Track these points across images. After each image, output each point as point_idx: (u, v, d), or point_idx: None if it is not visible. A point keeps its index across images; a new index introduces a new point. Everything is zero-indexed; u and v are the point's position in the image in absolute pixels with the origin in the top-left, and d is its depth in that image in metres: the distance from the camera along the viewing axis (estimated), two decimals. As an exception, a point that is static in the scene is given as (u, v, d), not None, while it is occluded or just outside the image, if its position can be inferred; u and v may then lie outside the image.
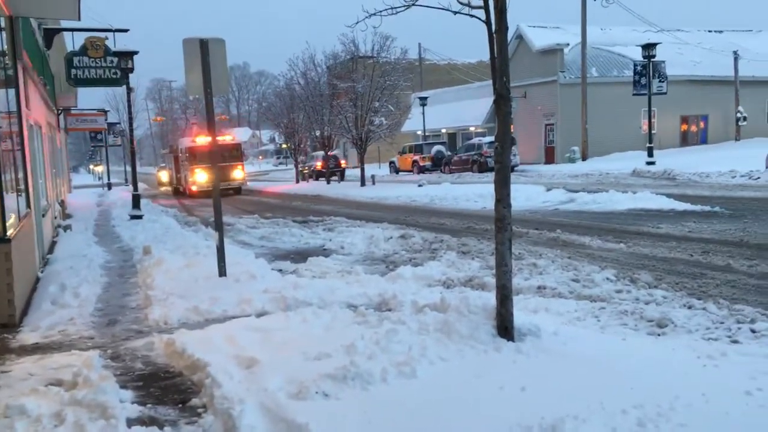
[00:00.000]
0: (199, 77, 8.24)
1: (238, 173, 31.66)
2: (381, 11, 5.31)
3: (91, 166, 74.35)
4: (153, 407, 4.57)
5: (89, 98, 54.04)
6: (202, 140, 29.47)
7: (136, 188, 19.45)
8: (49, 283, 8.81)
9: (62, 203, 21.45)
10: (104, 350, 6.04)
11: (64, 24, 19.01)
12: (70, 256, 11.20)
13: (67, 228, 15.57)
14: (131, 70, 18.47)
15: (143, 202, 20.54)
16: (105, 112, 37.07)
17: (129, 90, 19.52)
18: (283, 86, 40.28)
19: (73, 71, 20.57)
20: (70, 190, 36.43)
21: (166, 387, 5.00)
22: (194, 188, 30.31)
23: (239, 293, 7.47)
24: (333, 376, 4.35)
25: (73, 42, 21.64)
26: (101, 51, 20.73)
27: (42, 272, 10.03)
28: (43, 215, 12.13)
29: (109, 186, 42.21)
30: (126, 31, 21.59)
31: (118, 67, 19.46)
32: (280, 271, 9.34)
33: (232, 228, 15.46)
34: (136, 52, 18.41)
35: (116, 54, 19.01)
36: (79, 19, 10.84)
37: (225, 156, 29.58)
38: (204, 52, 8.19)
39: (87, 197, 32.44)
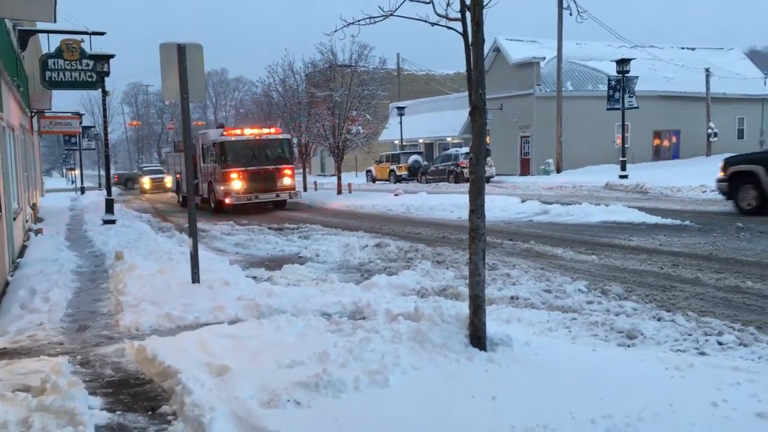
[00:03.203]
0: (176, 82, 8.21)
1: (286, 180, 23.34)
2: (359, 20, 5.35)
3: (65, 170, 73.41)
4: (122, 414, 4.52)
5: (64, 101, 53.36)
6: (243, 133, 23.36)
7: (109, 192, 19.24)
8: (18, 288, 8.67)
9: (34, 207, 21.14)
10: (74, 356, 5.96)
11: (40, 26, 18.83)
12: (40, 260, 11.03)
13: (38, 232, 15.34)
14: (107, 73, 18.31)
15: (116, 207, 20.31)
16: (80, 115, 36.63)
17: (104, 93, 19.33)
18: (261, 93, 40.20)
19: (48, 73, 20.37)
20: (43, 193, 35.91)
21: (136, 394, 4.95)
22: (229, 200, 22.14)
23: (212, 300, 7.43)
24: (305, 384, 4.34)
25: (48, 44, 21.50)
26: (77, 54, 20.56)
27: (11, 276, 9.87)
28: (14, 218, 11.94)
29: (83, 190, 41.67)
30: (102, 34, 21.44)
31: (93, 71, 19.31)
32: (254, 278, 9.30)
33: (206, 234, 15.37)
34: (112, 56, 18.26)
35: (92, 57, 18.86)
36: (55, 21, 10.73)
37: (269, 156, 23.27)
38: (181, 57, 8.16)
39: (60, 201, 31.99)
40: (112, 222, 17.67)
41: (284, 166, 23.43)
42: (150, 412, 4.55)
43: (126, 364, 5.68)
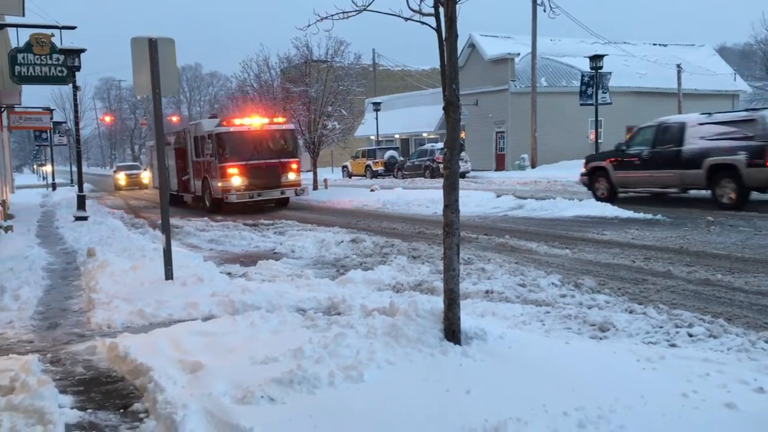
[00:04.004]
0: (148, 77, 8.11)
1: (291, 175, 21.21)
2: (332, 15, 5.32)
3: (36, 166, 72.28)
4: (93, 412, 4.46)
5: (34, 96, 52.46)
6: (243, 123, 20.97)
7: (81, 189, 18.96)
8: (-14, 286, 8.51)
9: (3, 203, 20.77)
10: (44, 354, 5.87)
11: (9, 20, 18.45)
12: (10, 257, 10.84)
13: (8, 229, 15.07)
14: (78, 68, 18.03)
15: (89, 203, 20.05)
16: (50, 110, 36.06)
17: (75, 89, 19.04)
18: (236, 88, 39.88)
19: (17, 68, 19.95)
20: (13, 190, 35.31)
21: (108, 392, 4.89)
22: (228, 198, 20.17)
23: (186, 297, 7.36)
24: (279, 380, 4.32)
25: (17, 38, 21.05)
26: (47, 48, 20.18)
27: (-20, 274, 9.69)
28: (-18, 215, 11.73)
29: (54, 186, 41.05)
30: (73, 28, 21.07)
31: (64, 65, 18.96)
32: (229, 274, 9.23)
33: (180, 231, 15.23)
34: (83, 50, 17.97)
35: (63, 51, 18.51)
36: (23, 15, 10.56)
37: (273, 148, 21.07)
38: (153, 52, 8.06)
39: (31, 198, 31.51)
40: (84, 218, 17.44)
41: (289, 159, 21.28)
42: (122, 410, 4.49)
43: (97, 362, 5.61)
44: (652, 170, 16.07)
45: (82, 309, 7.61)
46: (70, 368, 5.49)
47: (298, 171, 21.70)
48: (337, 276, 8.92)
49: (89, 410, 4.50)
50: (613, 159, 17.30)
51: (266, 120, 21.50)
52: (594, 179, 17.76)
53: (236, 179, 20.17)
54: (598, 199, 16.88)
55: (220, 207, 20.79)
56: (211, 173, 20.95)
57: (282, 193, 21.10)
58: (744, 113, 15.31)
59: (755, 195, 14.67)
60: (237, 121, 21.13)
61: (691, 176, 15.14)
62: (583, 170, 18.36)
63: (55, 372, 5.37)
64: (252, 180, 20.32)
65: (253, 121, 21.11)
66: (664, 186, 16.14)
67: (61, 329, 6.82)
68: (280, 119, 22.28)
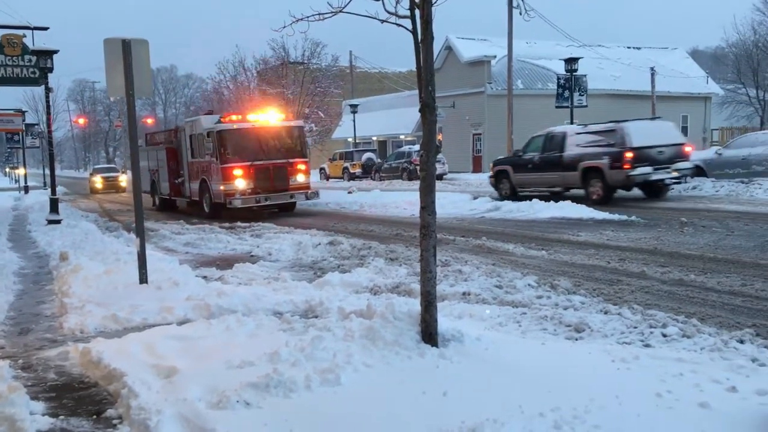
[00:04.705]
0: (121, 79, 8.01)
1: (300, 177, 19.35)
2: (308, 17, 5.30)
3: (7, 169, 71.12)
4: (65, 419, 4.39)
5: (6, 98, 51.70)
6: (247, 120, 19.19)
7: (54, 192, 18.70)
8: (-44, 291, 8.36)
9: (-27, 207, 20.41)
10: (15, 360, 5.77)
11: (-22, 19, 18.16)
12: (-20, 262, 10.66)
13: (-22, 233, 14.83)
14: (50, 69, 17.79)
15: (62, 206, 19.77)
16: (22, 112, 35.57)
17: (48, 90, 18.78)
18: (212, 90, 39.65)
19: (-13, 69, 19.66)
20: (-17, 193, 34.72)
21: (81, 398, 4.82)
22: (235, 202, 18.13)
23: (161, 301, 7.29)
24: (255, 384, 4.29)
25: (-13, 39, 20.69)
26: (18, 49, 19.93)
27: (-51, 279, 9.50)
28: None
29: (27, 189, 40.44)
30: (46, 29, 20.84)
31: (36, 66, 18.76)
32: (204, 278, 9.16)
33: (155, 234, 15.08)
34: (56, 51, 17.74)
35: (35, 52, 18.29)
36: (-6, 15, 10.39)
37: (280, 147, 19.23)
38: (126, 53, 7.97)
39: (2, 201, 30.99)
40: (57, 222, 17.20)
41: (298, 159, 19.36)
42: (95, 416, 4.43)
43: (70, 368, 5.52)
44: (542, 173, 18.45)
45: (55, 314, 7.49)
46: (42, 374, 5.40)
47: (308, 172, 19.97)
48: (315, 279, 8.89)
49: (61, 417, 4.43)
50: (512, 163, 19.79)
51: (272, 116, 19.73)
52: (499, 180, 20.07)
53: (240, 182, 18.27)
54: (501, 198, 19.14)
55: (220, 212, 18.88)
56: (211, 175, 19.06)
57: (291, 197, 19.13)
58: (608, 125, 17.49)
59: (621, 193, 17.29)
60: (240, 118, 19.29)
61: (570, 177, 17.59)
62: (491, 172, 20.78)
63: (27, 378, 5.28)
64: (258, 183, 18.49)
65: (258, 117, 19.46)
66: (551, 186, 18.30)
67: (32, 334, 6.71)
68: (287, 114, 20.62)
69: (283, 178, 18.86)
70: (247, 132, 18.79)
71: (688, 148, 17.33)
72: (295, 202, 19.62)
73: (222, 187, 18.39)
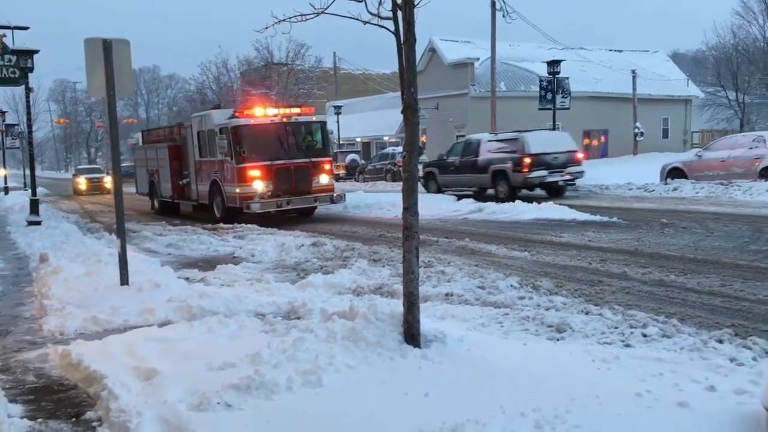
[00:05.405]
0: (102, 79, 7.95)
1: (324, 178, 17.62)
2: (290, 18, 5.29)
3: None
4: (44, 422, 4.35)
5: (-16, 98, 51.08)
6: (266, 114, 17.22)
7: (34, 193, 18.51)
8: (-67, 293, 8.25)
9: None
10: (-7, 363, 5.70)
11: (-43, 18, 17.95)
12: (-42, 264, 10.53)
13: (-44, 234, 14.64)
14: (31, 69, 17.62)
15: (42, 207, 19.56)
16: (2, 112, 35.18)
17: (28, 90, 18.58)
18: (195, 91, 39.45)
19: (-33, 68, 19.41)
20: (-38, 194, 34.27)
21: (60, 400, 4.77)
22: (253, 207, 16.33)
23: (142, 302, 7.23)
24: (237, 386, 4.27)
25: (-34, 38, 20.42)
26: (-2, 48, 19.66)
27: (-74, 281, 9.38)
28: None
29: (6, 190, 39.96)
30: (26, 28, 20.63)
31: (16, 66, 18.52)
32: (186, 279, 9.10)
33: (137, 235, 14.96)
34: (36, 51, 17.57)
35: (15, 52, 18.08)
36: (-28, 14, 10.28)
37: (302, 145, 17.52)
38: (107, 53, 7.91)
39: (-20, 202, 30.58)
40: (38, 223, 17.01)
41: (322, 159, 17.66)
42: (74, 419, 4.39)
43: (49, 370, 5.47)
44: (461, 174, 20.93)
45: (34, 316, 7.42)
46: (20, 377, 5.35)
47: (332, 173, 18.48)
48: (298, 280, 8.87)
49: (40, 419, 4.39)
50: (438, 166, 22.30)
51: (292, 110, 17.78)
52: (428, 180, 22.41)
53: (259, 183, 16.48)
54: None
55: (234, 218, 17.00)
56: (224, 176, 17.25)
57: (315, 200, 17.39)
58: (512, 134, 20.41)
59: (526, 192, 19.45)
60: (257, 112, 17.22)
61: (483, 179, 20.24)
62: (421, 174, 22.57)
63: (5, 381, 5.22)
64: (278, 185, 16.76)
65: (277, 111, 17.61)
66: (469, 186, 20.87)
67: (11, 337, 6.64)
68: (307, 109, 18.46)
69: (305, 179, 17.12)
70: (266, 128, 17.00)
71: (579, 155, 20.08)
72: (316, 207, 18.01)
73: (238, 190, 16.65)
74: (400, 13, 4.90)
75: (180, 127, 20.81)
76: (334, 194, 17.65)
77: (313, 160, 17.32)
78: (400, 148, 35.00)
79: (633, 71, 38.78)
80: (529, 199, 17.40)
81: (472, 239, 11.82)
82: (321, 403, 4.12)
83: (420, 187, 23.34)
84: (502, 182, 19.53)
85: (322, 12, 5.17)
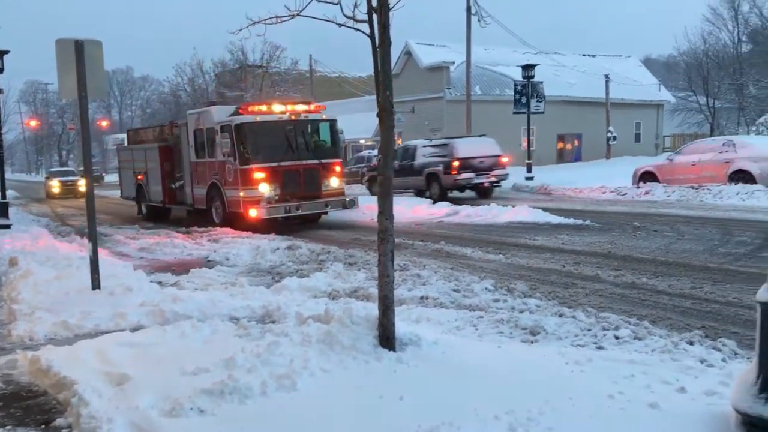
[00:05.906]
0: (74, 80, 7.83)
1: (334, 181, 16.32)
2: (265, 19, 5.27)
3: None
4: (13, 429, 4.27)
5: (-48, 98, 49.93)
6: (272, 111, 15.91)
7: (4, 196, 18.19)
8: None
9: None
10: (-41, 370, 5.58)
11: (-77, 17, 17.61)
12: (-76, 268, 10.29)
13: None
14: (1, 70, 17.35)
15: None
16: (-30, 113, 34.45)
17: (-2, 91, 18.29)
18: (169, 92, 39.09)
19: (-66, 69, 19.00)
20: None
21: (29, 407, 4.68)
22: (260, 212, 15.04)
23: (113, 307, 7.14)
24: (210, 391, 4.23)
25: (-67, 37, 20.04)
26: (-34, 48, 19.29)
27: None
28: None
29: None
30: (-5, 28, 20.30)
31: (-15, 67, 18.19)
32: (159, 283, 9.00)
33: (109, 239, 14.78)
34: (6, 52, 17.32)
35: (-17, 52, 17.77)
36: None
37: (311, 145, 16.16)
38: (79, 54, 7.80)
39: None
40: (7, 227, 16.72)
41: (331, 160, 16.33)
42: (43, 426, 4.31)
43: (18, 376, 5.37)
44: (401, 177, 21.16)
45: (3, 321, 7.28)
46: (-12, 383, 5.24)
47: (342, 175, 17.03)
48: (273, 283, 8.82)
49: (8, 427, 4.31)
50: None
51: (301, 107, 16.49)
52: (371, 183, 23.90)
53: (265, 187, 15.16)
54: (372, 193, 22.69)
55: (236, 224, 15.73)
56: (225, 179, 15.86)
57: (326, 205, 16.05)
58: (443, 140, 22.44)
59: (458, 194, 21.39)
60: (263, 109, 15.91)
61: (419, 181, 21.96)
62: (366, 177, 25.57)
63: (-28, 388, 5.11)
64: (286, 188, 15.46)
65: (285, 109, 16.23)
66: (408, 188, 22.23)
67: (-21, 343, 6.50)
68: (316, 106, 17.21)
69: (315, 182, 15.80)
70: (273, 127, 15.66)
71: (504, 159, 21.84)
72: (325, 213, 16.79)
73: (242, 194, 15.29)
74: (375, 16, 4.90)
75: (172, 126, 19.36)
76: (347, 199, 16.36)
77: (323, 161, 16.00)
78: (376, 151, 35.04)
79: (606, 76, 39.23)
80: (459, 201, 19.12)
81: (447, 242, 11.86)
82: (295, 407, 4.10)
83: (364, 190, 22.65)
84: (434, 184, 21.26)
85: (297, 14, 5.16)
